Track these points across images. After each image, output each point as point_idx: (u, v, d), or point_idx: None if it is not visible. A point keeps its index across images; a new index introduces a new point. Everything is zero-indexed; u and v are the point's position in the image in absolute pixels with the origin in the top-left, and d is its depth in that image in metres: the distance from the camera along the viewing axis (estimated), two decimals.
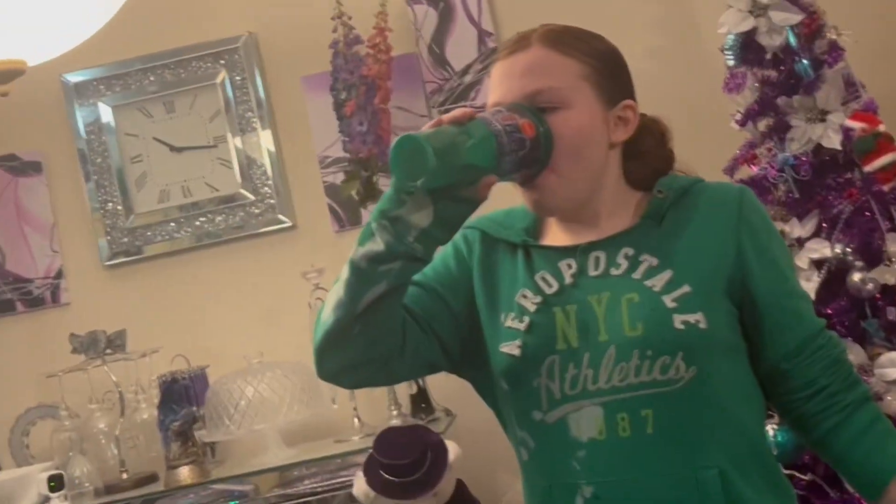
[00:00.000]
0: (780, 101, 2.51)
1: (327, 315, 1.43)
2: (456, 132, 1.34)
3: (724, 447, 1.42)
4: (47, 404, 3.01)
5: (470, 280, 1.54)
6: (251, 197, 3.13)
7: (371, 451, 2.04)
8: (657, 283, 1.43)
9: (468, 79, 3.04)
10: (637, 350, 1.40)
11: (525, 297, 1.48)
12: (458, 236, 1.54)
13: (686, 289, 1.42)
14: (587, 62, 1.48)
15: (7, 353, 3.17)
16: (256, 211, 3.13)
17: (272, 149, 3.12)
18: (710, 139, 2.63)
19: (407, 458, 1.99)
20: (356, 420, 2.82)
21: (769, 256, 1.48)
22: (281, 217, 3.12)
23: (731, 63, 2.55)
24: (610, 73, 1.50)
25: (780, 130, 2.52)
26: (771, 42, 2.48)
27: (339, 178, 3.03)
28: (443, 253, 1.57)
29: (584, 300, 1.45)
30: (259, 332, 3.05)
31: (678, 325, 1.40)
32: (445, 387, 2.77)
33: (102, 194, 3.17)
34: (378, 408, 2.84)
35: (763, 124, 2.57)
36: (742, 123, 2.59)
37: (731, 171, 2.63)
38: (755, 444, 1.47)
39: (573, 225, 1.51)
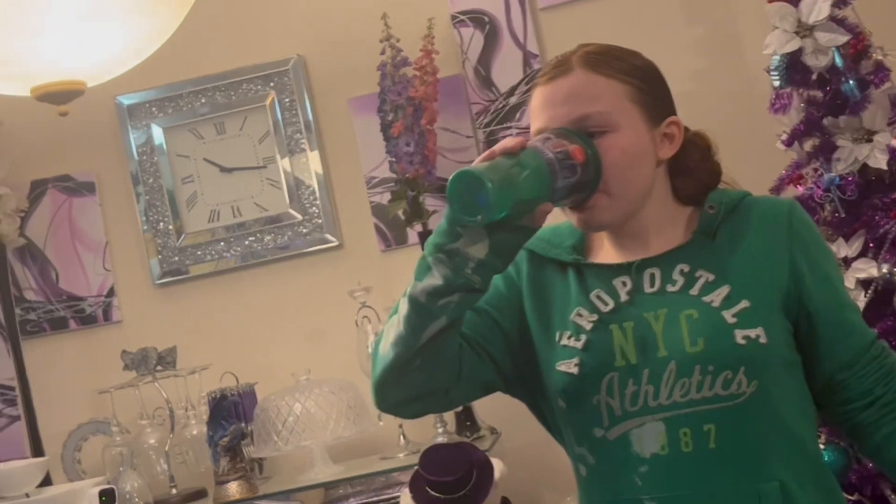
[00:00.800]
0: (827, 121, 2.51)
1: (386, 350, 1.44)
2: (510, 164, 1.33)
3: (784, 460, 1.43)
4: (99, 420, 3.04)
5: (519, 299, 1.55)
6: (299, 217, 3.16)
7: (417, 468, 2.06)
8: (715, 298, 1.44)
9: (513, 100, 3.06)
10: (699, 366, 1.41)
11: (581, 315, 1.49)
12: None
13: (745, 304, 1.43)
14: (630, 82, 1.48)
15: (60, 370, 3.21)
16: (304, 231, 3.16)
17: (320, 170, 3.15)
18: (756, 159, 2.63)
19: (452, 475, 2.00)
20: (402, 437, 2.83)
21: (821, 270, 1.49)
22: (328, 237, 3.15)
23: (777, 84, 2.55)
24: (651, 90, 1.51)
25: (827, 151, 2.52)
26: (817, 63, 2.48)
27: (385, 197, 3.06)
28: None
29: (641, 317, 1.46)
30: (306, 350, 3.08)
31: (739, 340, 1.41)
32: (491, 405, 2.75)
33: (154, 214, 3.22)
34: (423, 425, 2.83)
35: (809, 145, 2.57)
36: (788, 144, 2.59)
37: (777, 191, 2.63)
38: (813, 457, 1.49)
39: (623, 241, 1.52)
